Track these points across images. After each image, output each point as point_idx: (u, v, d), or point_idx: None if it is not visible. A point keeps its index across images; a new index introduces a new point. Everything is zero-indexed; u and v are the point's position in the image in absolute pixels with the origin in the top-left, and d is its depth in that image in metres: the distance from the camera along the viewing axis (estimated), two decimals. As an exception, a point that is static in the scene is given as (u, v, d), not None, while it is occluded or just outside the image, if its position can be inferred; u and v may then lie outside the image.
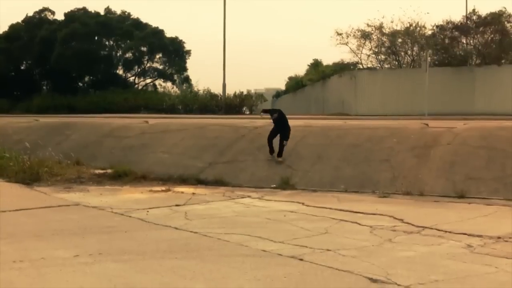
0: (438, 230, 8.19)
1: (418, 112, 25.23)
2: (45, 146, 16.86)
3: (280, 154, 14.17)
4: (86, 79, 44.79)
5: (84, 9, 43.89)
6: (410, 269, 6.17)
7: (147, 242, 7.54)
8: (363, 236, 7.86)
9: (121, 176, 13.68)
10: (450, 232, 8.04)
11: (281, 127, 14.42)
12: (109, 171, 14.11)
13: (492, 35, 30.63)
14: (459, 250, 7.07)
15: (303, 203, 10.66)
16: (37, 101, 38.28)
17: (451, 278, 5.83)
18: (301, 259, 6.58)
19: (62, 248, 7.13)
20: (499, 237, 7.69)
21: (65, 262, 6.48)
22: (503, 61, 29.74)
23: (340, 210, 9.89)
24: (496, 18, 30.00)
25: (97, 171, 14.23)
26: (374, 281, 5.75)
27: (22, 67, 45.21)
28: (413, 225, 8.58)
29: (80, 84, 44.58)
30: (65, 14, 43.26)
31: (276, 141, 14.40)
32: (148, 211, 9.78)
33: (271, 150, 14.33)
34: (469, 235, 7.87)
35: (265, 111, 16.36)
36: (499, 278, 5.87)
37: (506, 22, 30.34)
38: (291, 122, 17.51)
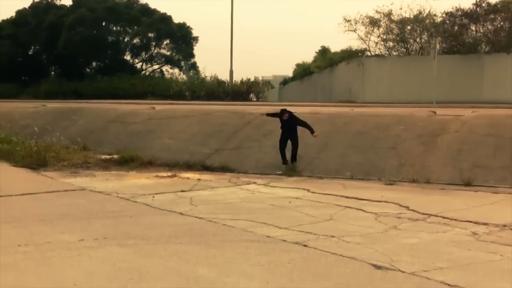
0: (444, 217, 8.16)
1: (426, 100, 25.07)
2: (52, 131, 16.94)
3: (294, 157, 13.10)
4: (94, 64, 44.76)
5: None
6: (415, 256, 6.16)
7: (152, 227, 7.56)
8: (368, 223, 7.85)
9: (127, 162, 13.73)
10: (455, 219, 8.02)
11: (292, 131, 13.17)
12: (115, 156, 14.15)
13: (501, 23, 30.32)
14: (464, 237, 7.04)
15: (308, 190, 10.65)
16: (45, 86, 38.33)
17: (455, 266, 5.82)
18: (305, 245, 6.59)
19: (68, 232, 7.16)
20: (505, 225, 7.66)
21: (70, 246, 6.51)
22: (512, 49, 29.44)
23: (346, 197, 9.88)
24: (506, 6, 29.68)
25: (103, 157, 14.28)
26: (378, 267, 5.74)
27: (29, 53, 45.23)
28: (418, 212, 8.56)
29: (88, 69, 44.57)
30: (73, -1, 43.18)
31: (288, 148, 13.30)
32: (153, 197, 9.80)
33: (285, 160, 13.12)
34: (474, 223, 7.84)
35: (271, 115, 14.33)
36: (503, 265, 5.84)
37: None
38: (298, 109, 17.49)
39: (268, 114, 14.60)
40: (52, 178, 11.88)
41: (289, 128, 13.26)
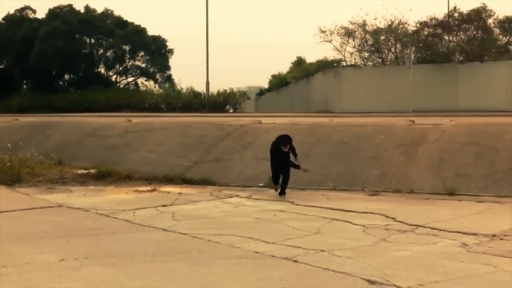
0: (432, 228, 8.05)
1: (402, 109, 25.22)
2: (26, 146, 16.47)
3: (283, 190, 11.36)
4: (67, 77, 44.23)
5: (70, 6, 43.23)
6: (408, 269, 6.01)
7: (135, 244, 7.30)
8: (357, 236, 7.70)
9: (105, 176, 13.38)
10: (444, 230, 7.91)
11: (286, 163, 11.42)
12: (92, 171, 13.80)
13: (474, 32, 30.77)
14: (455, 249, 6.93)
15: (292, 202, 10.48)
16: (17, 100, 37.69)
17: (450, 279, 5.68)
18: (295, 261, 6.39)
19: (47, 252, 6.86)
20: (494, 235, 7.57)
21: (50, 266, 6.22)
22: (485, 57, 29.87)
23: (331, 208, 9.73)
24: (477, 15, 30.13)
25: (80, 171, 13.92)
26: (372, 282, 5.58)
27: (1, 66, 44.47)
28: (406, 223, 8.44)
29: (61, 82, 44.01)
30: (50, 10, 42.57)
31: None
32: (134, 212, 9.52)
33: (277, 184, 11.57)
34: (463, 233, 7.74)
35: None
36: (499, 277, 5.73)
37: (487, 19, 30.48)
38: (276, 120, 17.39)
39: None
40: (28, 195, 11.50)
41: (285, 157, 11.42)
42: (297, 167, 11.43)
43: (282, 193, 11.29)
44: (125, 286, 5.55)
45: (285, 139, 11.51)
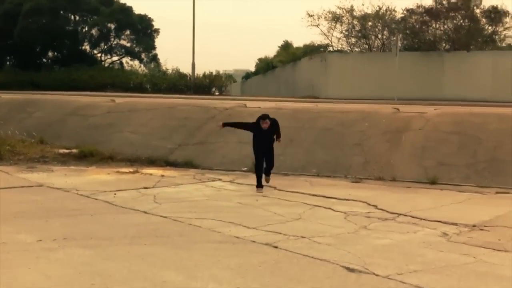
0: (413, 217, 8.08)
1: (388, 96, 25.23)
2: (7, 123, 16.29)
3: (269, 173, 10.60)
4: (50, 54, 43.54)
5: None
6: (387, 258, 6.02)
7: (114, 226, 7.23)
8: (338, 223, 7.70)
9: (86, 156, 13.27)
10: (424, 219, 7.94)
11: (269, 143, 10.45)
12: (74, 150, 13.67)
13: (461, 21, 30.77)
14: (435, 238, 6.96)
15: (275, 187, 10.46)
16: (0, 77, 37.08)
17: (429, 268, 5.69)
18: (275, 247, 6.38)
19: (25, 232, 6.77)
20: (474, 225, 7.61)
21: (27, 247, 6.14)
22: (472, 47, 29.93)
23: (313, 195, 9.72)
24: (465, 3, 30.12)
25: (61, 151, 13.77)
26: (351, 270, 5.57)
27: (-17, 42, 43.68)
28: (387, 211, 8.46)
29: (44, 60, 43.34)
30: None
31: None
32: (115, 194, 9.44)
33: (260, 183, 10.29)
34: (444, 222, 7.78)
35: (236, 125, 11.53)
36: (478, 268, 5.75)
37: (475, 8, 30.49)
38: (261, 104, 17.30)
39: (230, 124, 11.41)
40: (8, 173, 11.35)
41: (267, 139, 10.42)
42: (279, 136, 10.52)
43: (268, 174, 10.49)
44: (103, 268, 5.48)
45: (262, 117, 10.36)
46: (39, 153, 13.37)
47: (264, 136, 10.39)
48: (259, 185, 10.25)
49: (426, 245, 6.62)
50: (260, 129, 10.33)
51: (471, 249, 6.44)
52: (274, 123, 10.42)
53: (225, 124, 11.16)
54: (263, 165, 10.42)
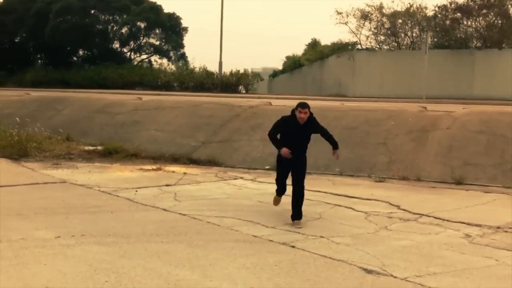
0: (436, 218, 7.91)
1: (416, 95, 24.87)
2: (35, 120, 16.53)
3: (298, 214, 7.44)
4: (81, 53, 44.19)
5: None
6: (407, 259, 5.89)
7: (133, 223, 7.24)
8: (358, 223, 7.58)
9: (111, 153, 13.37)
10: (447, 220, 7.77)
11: (302, 149, 7.65)
12: (99, 147, 13.78)
13: (494, 18, 30.15)
14: (458, 240, 6.79)
15: (297, 186, 10.34)
16: (31, 74, 37.77)
17: (449, 271, 5.56)
18: (293, 246, 6.31)
19: (44, 228, 6.82)
20: (498, 227, 7.42)
21: (45, 243, 6.18)
22: (504, 45, 29.31)
23: (335, 194, 9.61)
24: (501, 1, 29.48)
25: (87, 148, 13.90)
26: (369, 272, 5.47)
27: (16, 40, 44.52)
28: (409, 212, 8.30)
29: (75, 58, 44.00)
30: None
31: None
32: (136, 191, 9.47)
33: (279, 197, 8.04)
34: (467, 224, 7.60)
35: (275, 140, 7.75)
36: (499, 271, 5.59)
37: (510, 6, 29.83)
38: (287, 102, 17.19)
39: (275, 139, 7.76)
40: (33, 170, 11.49)
41: (300, 141, 7.61)
42: (334, 142, 8.03)
43: (297, 217, 7.42)
44: (118, 266, 5.48)
45: (299, 105, 7.56)
46: (65, 150, 13.51)
47: (297, 136, 7.52)
48: (278, 194, 8.00)
49: (448, 246, 6.47)
50: (294, 124, 7.51)
51: (493, 251, 6.28)
52: (313, 121, 7.64)
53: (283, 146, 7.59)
54: (285, 185, 7.89)
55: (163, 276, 5.25)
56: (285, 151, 7.47)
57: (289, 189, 7.79)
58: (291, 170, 7.72)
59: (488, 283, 5.26)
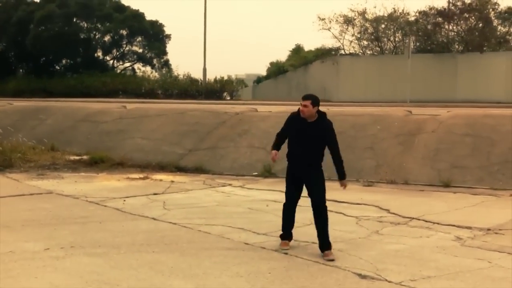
0: (426, 221, 7.93)
1: (401, 99, 25.05)
2: (19, 130, 16.34)
3: (326, 243, 6.22)
4: (64, 62, 43.73)
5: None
6: (400, 263, 5.89)
7: (122, 234, 7.15)
8: (349, 228, 7.58)
9: (97, 163, 13.22)
10: (438, 223, 7.79)
11: (313, 160, 6.52)
12: (84, 157, 13.64)
13: (475, 22, 30.49)
14: (449, 243, 6.81)
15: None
16: (13, 84, 37.30)
17: (443, 274, 5.55)
18: (285, 253, 6.27)
19: (33, 240, 6.71)
20: (488, 229, 7.45)
21: (34, 256, 6.08)
22: (485, 48, 29.64)
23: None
24: (482, 5, 29.81)
25: (72, 157, 13.75)
26: (363, 277, 5.45)
27: (-3, 49, 44.05)
28: (399, 215, 8.31)
29: (57, 67, 43.56)
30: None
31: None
32: (124, 200, 9.37)
33: (285, 233, 6.62)
34: (457, 226, 7.62)
35: (276, 144, 6.84)
36: (493, 273, 5.60)
37: (491, 10, 30.19)
38: (272, 108, 17.18)
39: (276, 144, 6.88)
40: (18, 181, 11.33)
41: (306, 145, 6.40)
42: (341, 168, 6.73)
43: (327, 247, 6.18)
44: (110, 277, 5.41)
45: (305, 95, 6.47)
46: (50, 160, 13.36)
47: (303, 139, 6.35)
48: (285, 236, 6.58)
49: (440, 250, 6.47)
50: (300, 121, 6.41)
51: (485, 253, 6.30)
52: (325, 124, 6.49)
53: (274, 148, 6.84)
54: (294, 206, 6.67)
55: (156, 286, 5.20)
56: (272, 153, 6.67)
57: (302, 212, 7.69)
58: (306, 185, 6.48)
59: (482, 285, 5.26)
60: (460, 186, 10.93)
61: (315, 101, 6.38)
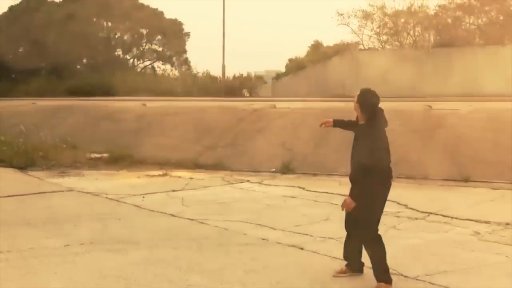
0: (444, 216, 7.89)
1: (420, 94, 24.83)
2: (41, 129, 16.56)
3: (380, 271, 5.01)
4: (85, 61, 44.29)
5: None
6: (417, 258, 5.88)
7: (141, 230, 7.25)
8: (366, 223, 7.56)
9: (117, 161, 13.39)
10: (456, 218, 7.75)
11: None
12: (105, 155, 13.81)
13: (495, 15, 30.12)
14: (467, 237, 6.77)
15: (303, 188, 10.36)
16: (35, 84, 37.80)
17: (460, 269, 5.54)
18: (301, 248, 6.31)
19: (53, 237, 6.83)
20: (507, 224, 7.39)
21: (54, 252, 6.19)
22: (506, 41, 29.24)
23: (342, 195, 9.48)
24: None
25: (93, 155, 13.92)
26: (378, 272, 5.44)
27: (20, 50, 44.68)
28: (417, 210, 8.28)
29: (78, 66, 44.10)
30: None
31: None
32: (143, 197, 9.48)
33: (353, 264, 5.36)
34: (476, 221, 7.57)
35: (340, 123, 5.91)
36: (510, 267, 5.57)
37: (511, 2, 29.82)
38: (291, 105, 17.18)
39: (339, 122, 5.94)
40: (40, 179, 11.53)
41: (352, 150, 5.47)
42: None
43: (382, 278, 4.98)
44: (128, 272, 5.49)
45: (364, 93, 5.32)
46: (71, 158, 13.55)
47: (354, 143, 5.39)
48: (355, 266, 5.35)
49: (457, 244, 6.45)
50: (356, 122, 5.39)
51: (503, 248, 6.26)
52: (365, 125, 5.24)
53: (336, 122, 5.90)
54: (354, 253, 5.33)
55: (174, 282, 5.26)
56: (329, 120, 5.86)
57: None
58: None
59: (498, 280, 5.24)
60: (479, 180, 10.83)
61: (363, 97, 5.30)
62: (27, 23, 41.23)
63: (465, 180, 10.85)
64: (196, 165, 13.11)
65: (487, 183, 10.65)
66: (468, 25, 30.86)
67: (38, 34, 40.49)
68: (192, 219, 7.81)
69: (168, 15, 44.05)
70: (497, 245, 6.39)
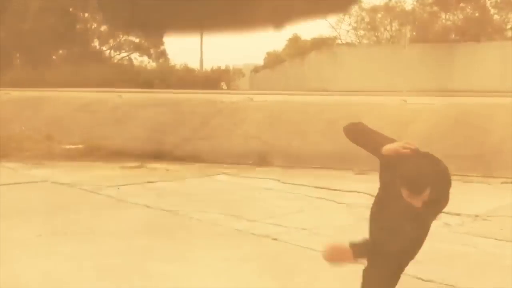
0: (416, 208, 8.00)
1: (397, 88, 25.06)
2: (16, 120, 16.37)
3: None
4: (60, 52, 43.76)
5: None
6: (388, 249, 5.97)
7: (116, 221, 7.24)
8: (340, 215, 7.67)
9: (93, 152, 13.29)
10: (428, 210, 7.86)
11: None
12: (80, 146, 13.71)
13: (471, 11, 30.52)
14: (437, 229, 6.81)
15: (279, 180, 10.41)
16: (10, 74, 37.29)
17: (430, 259, 5.60)
18: (275, 239, 6.36)
19: (25, 228, 6.78)
20: (477, 215, 7.55)
21: (26, 242, 6.16)
22: (481, 37, 29.68)
23: (317, 187, 9.66)
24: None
25: (68, 147, 13.82)
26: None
27: (-7, 40, 43.97)
28: (391, 203, 8.38)
29: (54, 57, 43.56)
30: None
31: None
32: (119, 188, 9.44)
33: None
34: (446, 213, 7.61)
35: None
36: (478, 258, 5.71)
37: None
38: (268, 98, 17.23)
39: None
40: (14, 170, 11.40)
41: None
42: None
43: None
44: (103, 263, 5.49)
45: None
46: (46, 149, 13.42)
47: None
48: None
49: (428, 236, 6.54)
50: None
51: (472, 239, 6.39)
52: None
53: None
54: None
55: (148, 271, 5.28)
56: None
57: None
58: None
59: (468, 270, 5.37)
60: (453, 174, 10.94)
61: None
62: (1, 13, 40.58)
63: (438, 173, 10.99)
64: (172, 157, 13.08)
65: (460, 176, 10.78)
66: (444, 21, 31.21)
67: (12, 24, 39.89)
68: (167, 210, 7.81)
69: (146, 6, 43.59)
70: (466, 236, 6.52)
